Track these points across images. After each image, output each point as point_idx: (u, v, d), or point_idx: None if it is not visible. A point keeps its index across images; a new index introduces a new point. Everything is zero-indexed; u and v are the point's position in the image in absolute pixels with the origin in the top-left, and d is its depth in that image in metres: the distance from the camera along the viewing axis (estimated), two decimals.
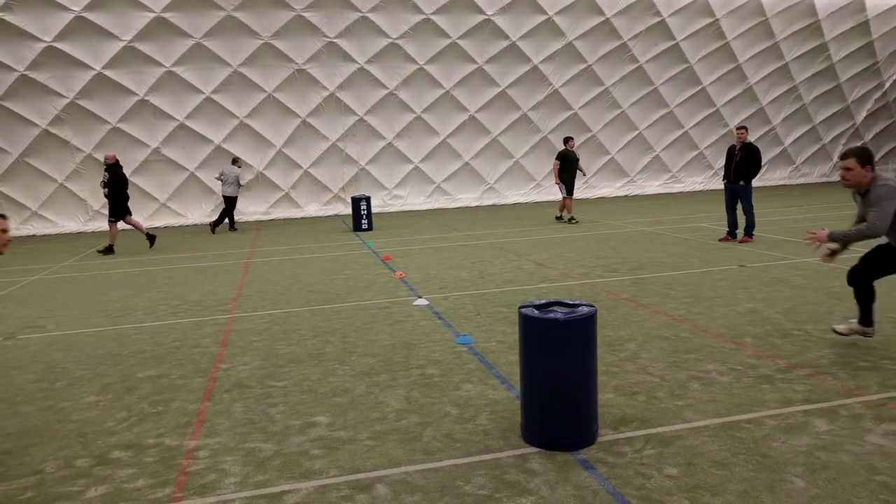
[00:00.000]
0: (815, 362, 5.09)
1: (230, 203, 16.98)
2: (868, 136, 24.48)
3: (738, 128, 11.53)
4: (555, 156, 15.80)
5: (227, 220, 17.05)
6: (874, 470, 3.40)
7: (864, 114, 23.80)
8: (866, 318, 5.40)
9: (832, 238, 5.29)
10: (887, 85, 23.11)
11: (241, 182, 17.26)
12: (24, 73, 16.66)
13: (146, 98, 17.74)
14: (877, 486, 3.24)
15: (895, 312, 6.40)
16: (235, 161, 17.49)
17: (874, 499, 3.13)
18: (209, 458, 3.92)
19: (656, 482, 3.38)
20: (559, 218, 15.69)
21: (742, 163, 11.20)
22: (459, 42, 19.36)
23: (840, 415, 4.11)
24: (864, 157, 5.12)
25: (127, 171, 18.14)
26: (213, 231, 16.71)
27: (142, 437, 4.26)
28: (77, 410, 4.80)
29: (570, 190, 15.27)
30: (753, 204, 11.34)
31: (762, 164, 11.86)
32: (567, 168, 15.22)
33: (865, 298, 5.39)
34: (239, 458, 3.90)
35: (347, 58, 18.83)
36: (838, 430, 3.90)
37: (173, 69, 17.66)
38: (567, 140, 15.46)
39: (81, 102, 17.34)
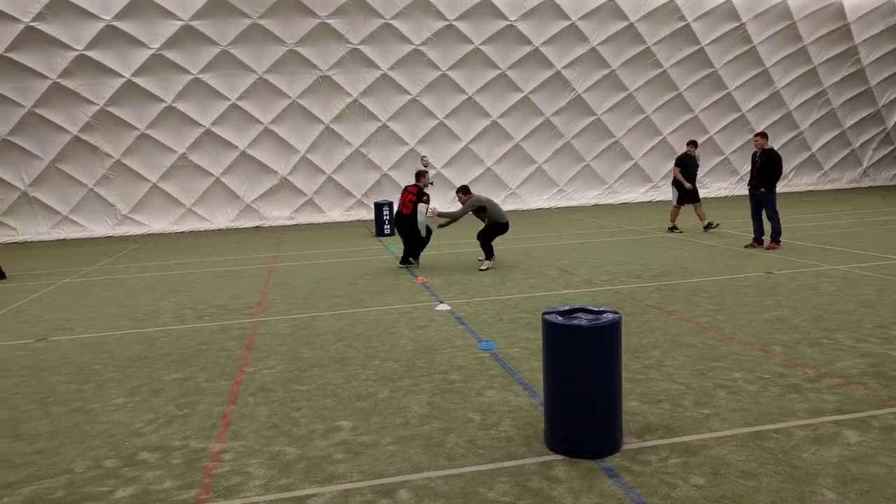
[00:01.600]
0: (845, 372, 4.99)
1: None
2: None
3: (756, 135, 11.43)
4: (674, 162, 14.23)
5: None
6: None
7: (895, 118, 23.33)
8: None
9: None
10: None
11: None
12: (57, 80, 17.04)
13: (173, 105, 18.03)
14: None
15: None
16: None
17: None
18: (234, 460, 3.96)
19: (682, 492, 3.34)
20: (674, 229, 13.89)
21: (761, 169, 11.07)
22: (482, 48, 19.39)
23: (872, 426, 4.02)
24: None
25: (154, 177, 18.59)
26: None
27: (168, 439, 4.31)
28: (106, 412, 4.89)
29: (695, 197, 13.77)
30: (778, 210, 11.14)
31: (783, 170, 11.56)
32: (688, 174, 13.80)
33: None
34: (263, 461, 3.93)
35: (371, 64, 18.97)
36: (870, 441, 3.81)
37: (200, 76, 17.94)
38: (690, 144, 14.11)
39: (111, 109, 17.69)
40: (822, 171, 23.71)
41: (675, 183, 14.01)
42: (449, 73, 19.51)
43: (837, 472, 3.46)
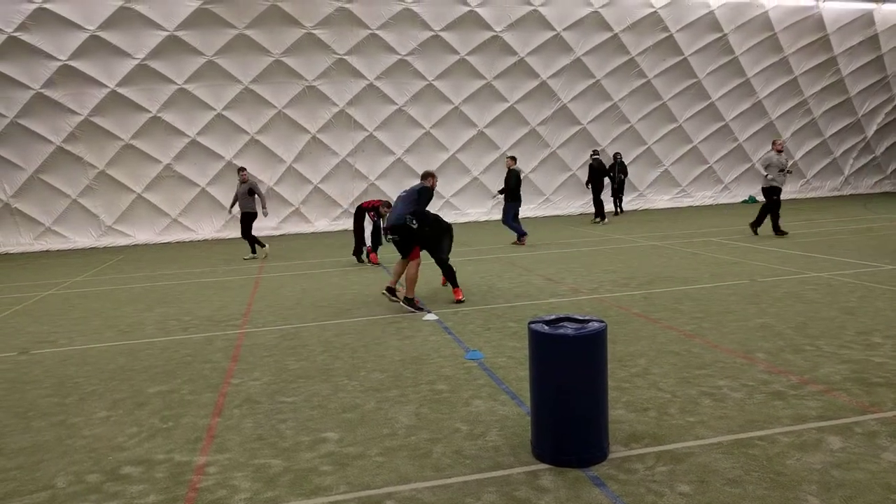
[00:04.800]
0: (828, 378, 5.04)
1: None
2: (879, 150, 24.37)
3: (508, 157, 14.20)
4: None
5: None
6: (891, 489, 3.36)
7: (874, 127, 23.70)
8: None
9: None
10: None
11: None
12: (40, 90, 16.90)
13: (158, 115, 17.94)
14: None
15: None
16: None
17: None
18: (219, 473, 3.92)
19: (668, 500, 3.35)
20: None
21: (505, 184, 13.06)
22: (468, 58, 19.49)
23: (855, 432, 4.06)
24: None
25: (139, 188, 18.45)
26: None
27: (152, 453, 4.27)
28: (88, 426, 4.82)
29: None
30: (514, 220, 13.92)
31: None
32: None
33: None
34: (249, 473, 3.90)
35: (357, 74, 19.00)
36: (853, 447, 3.85)
37: (185, 86, 17.88)
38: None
39: (95, 119, 17.56)
40: (805, 180, 24.02)
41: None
42: (435, 83, 19.59)
43: (821, 479, 3.49)
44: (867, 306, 7.26)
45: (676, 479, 3.56)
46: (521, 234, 14.32)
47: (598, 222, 18.23)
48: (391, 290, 8.34)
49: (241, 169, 14.31)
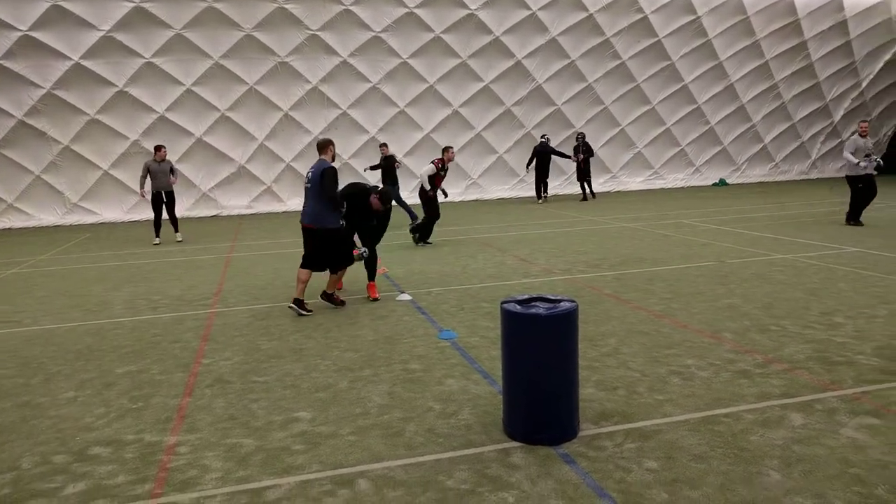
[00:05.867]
0: (791, 357, 5.18)
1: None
2: (845, 135, 24.80)
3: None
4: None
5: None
6: (848, 463, 3.47)
7: (841, 112, 24.13)
8: None
9: None
10: (864, 84, 23.44)
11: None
12: (0, 62, 16.33)
13: (125, 89, 17.47)
14: (850, 479, 3.31)
15: (869, 308, 6.51)
16: None
17: (847, 491, 3.19)
18: (190, 453, 3.89)
19: (636, 476, 3.42)
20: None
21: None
22: (443, 36, 19.31)
23: (815, 409, 4.18)
24: None
25: (105, 164, 18.01)
26: None
27: (121, 433, 4.22)
28: (55, 406, 4.74)
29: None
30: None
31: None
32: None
33: None
34: (220, 453, 3.88)
35: (330, 51, 18.70)
36: (814, 423, 3.97)
37: (153, 60, 17.41)
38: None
39: (59, 93, 17.03)
40: (774, 163, 24.43)
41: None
42: (410, 61, 19.38)
43: (783, 454, 3.60)
44: (830, 287, 7.45)
45: (644, 456, 3.63)
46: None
47: (541, 202, 19.23)
48: (328, 297, 7.36)
49: (160, 147, 13.45)
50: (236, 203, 19.38)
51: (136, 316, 7.43)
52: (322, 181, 6.90)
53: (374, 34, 18.77)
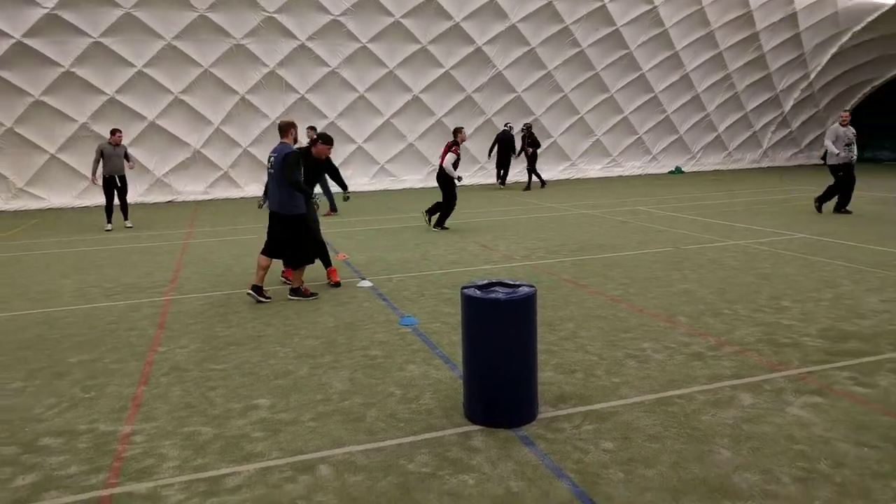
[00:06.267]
0: (742, 340, 5.35)
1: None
2: (795, 125, 25.60)
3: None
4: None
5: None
6: (793, 440, 3.62)
7: (791, 102, 24.84)
8: None
9: None
10: (812, 76, 24.16)
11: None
12: None
13: (72, 70, 16.82)
14: (795, 455, 3.45)
15: (815, 292, 6.77)
16: None
17: (792, 466, 3.33)
18: (146, 442, 3.82)
19: (593, 456, 3.50)
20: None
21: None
22: (403, 21, 19.12)
23: (764, 389, 4.34)
24: None
25: (52, 148, 17.35)
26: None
27: (73, 423, 4.11)
28: (2, 397, 4.59)
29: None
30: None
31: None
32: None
33: None
34: (177, 442, 3.82)
35: (288, 34, 18.33)
36: (762, 403, 4.12)
37: (101, 40, 16.78)
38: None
39: (0, 73, 16.30)
40: (727, 152, 25.04)
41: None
42: (369, 45, 19.16)
43: (733, 432, 3.73)
44: (779, 272, 7.71)
45: (601, 437, 3.72)
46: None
47: (502, 187, 19.88)
48: (296, 292, 7.05)
49: (116, 130, 13.16)
50: (192, 189, 18.93)
51: (88, 304, 7.22)
52: (283, 167, 6.76)
53: (332, 17, 18.47)
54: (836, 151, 11.96)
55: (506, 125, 19.77)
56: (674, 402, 4.16)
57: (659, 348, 5.19)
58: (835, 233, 10.24)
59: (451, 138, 12.08)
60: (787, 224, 11.28)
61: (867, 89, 25.22)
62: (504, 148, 19.37)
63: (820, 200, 12.53)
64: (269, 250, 7.07)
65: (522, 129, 19.66)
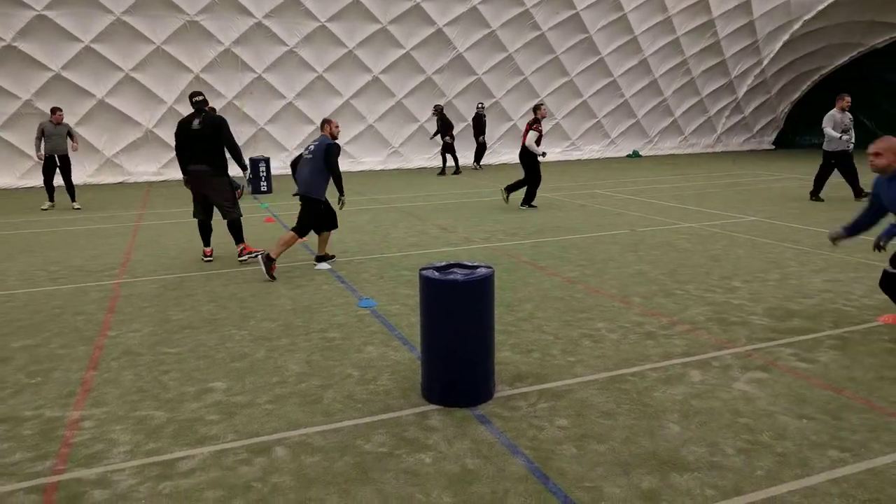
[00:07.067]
0: (693, 319, 5.50)
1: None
2: (748, 110, 26.23)
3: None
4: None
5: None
6: (738, 413, 3.75)
7: (744, 89, 25.42)
8: None
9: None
10: (765, 63, 24.74)
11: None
12: None
13: (14, 44, 16.08)
14: (740, 428, 3.58)
15: (763, 272, 6.99)
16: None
17: (737, 439, 3.46)
18: (95, 427, 3.73)
19: (548, 433, 3.57)
20: None
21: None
22: (363, 0, 18.84)
23: (712, 366, 4.48)
24: None
25: None
26: None
27: (18, 410, 3.99)
28: None
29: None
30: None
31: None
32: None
33: None
34: (129, 426, 3.74)
35: (244, 11, 17.87)
36: (710, 379, 4.25)
37: (45, 13, 16.08)
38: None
39: None
40: (683, 136, 25.53)
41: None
42: (328, 24, 18.83)
43: (682, 408, 3.84)
44: (730, 254, 7.93)
45: (556, 414, 3.79)
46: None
47: (478, 168, 20.23)
48: (268, 260, 7.06)
49: (57, 109, 12.80)
50: (144, 169, 18.41)
51: (32, 287, 6.98)
52: (327, 156, 7.25)
53: None
54: (837, 135, 11.57)
55: (479, 105, 19.97)
56: (626, 379, 4.26)
57: (613, 328, 5.30)
58: (782, 215, 10.57)
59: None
60: (737, 207, 11.59)
61: (816, 77, 25.97)
62: (478, 127, 19.66)
63: (814, 193, 12.15)
64: (300, 230, 7.40)
65: (434, 112, 19.00)
